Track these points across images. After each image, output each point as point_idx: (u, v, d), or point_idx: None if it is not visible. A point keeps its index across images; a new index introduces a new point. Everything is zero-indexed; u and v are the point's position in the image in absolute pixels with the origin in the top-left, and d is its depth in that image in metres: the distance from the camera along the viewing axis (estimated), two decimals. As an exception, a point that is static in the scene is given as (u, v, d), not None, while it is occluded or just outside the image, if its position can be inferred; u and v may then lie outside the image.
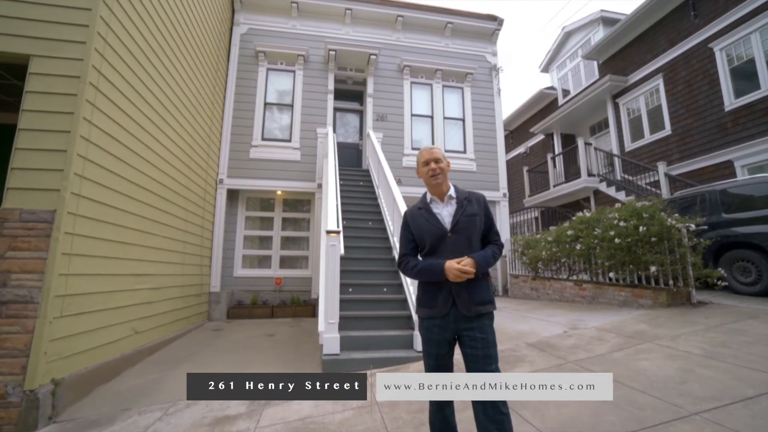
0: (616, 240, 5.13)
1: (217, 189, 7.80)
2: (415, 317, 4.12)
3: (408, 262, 1.87)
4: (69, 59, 3.41)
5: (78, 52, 3.44)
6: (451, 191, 1.90)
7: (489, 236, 1.88)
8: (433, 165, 1.89)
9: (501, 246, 1.87)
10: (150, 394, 3.41)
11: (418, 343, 3.85)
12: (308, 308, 7.63)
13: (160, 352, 4.92)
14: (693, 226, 4.68)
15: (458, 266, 1.67)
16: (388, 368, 3.63)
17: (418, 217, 1.90)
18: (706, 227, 4.98)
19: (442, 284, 1.76)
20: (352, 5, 9.16)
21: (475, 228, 1.80)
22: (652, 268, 4.70)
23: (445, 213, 1.84)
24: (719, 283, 4.47)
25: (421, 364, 3.57)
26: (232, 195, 8.18)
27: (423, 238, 1.85)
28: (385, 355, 3.73)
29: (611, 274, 5.32)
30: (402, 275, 4.85)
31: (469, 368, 1.68)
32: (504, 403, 1.60)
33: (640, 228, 4.82)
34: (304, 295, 7.87)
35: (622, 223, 5.15)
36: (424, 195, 1.97)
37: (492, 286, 1.85)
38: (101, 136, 3.70)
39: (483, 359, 1.65)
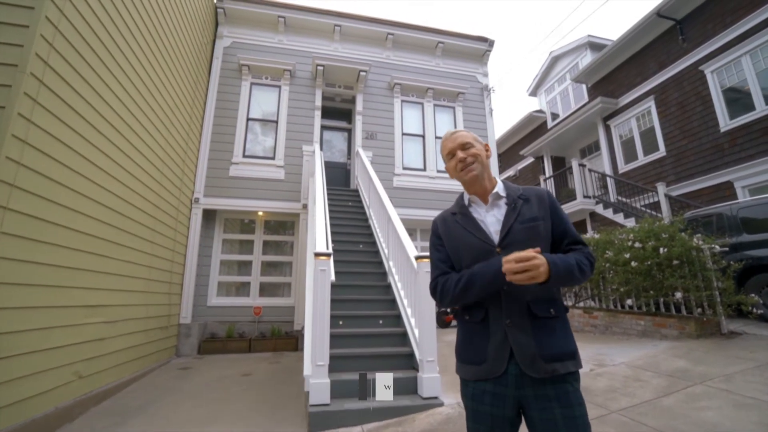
0: (633, 263, 4.68)
1: (191, 208, 7.10)
2: (417, 354, 3.51)
3: (448, 280, 1.26)
4: (4, 44, 2.82)
5: (17, 37, 2.86)
6: (499, 188, 1.32)
7: (567, 246, 1.25)
8: (460, 154, 1.30)
9: (590, 257, 1.21)
10: (84, 464, 2.65)
11: (423, 388, 3.21)
12: (290, 341, 6.86)
13: (112, 399, 4.10)
14: (717, 248, 4.29)
15: (517, 257, 1.06)
16: (390, 421, 2.97)
17: (452, 225, 1.33)
18: (727, 249, 4.60)
19: (490, 325, 1.18)
20: (341, 21, 8.90)
21: (539, 237, 1.21)
22: (678, 294, 4.24)
23: (491, 219, 1.27)
24: (754, 310, 4.03)
25: (430, 417, 2.93)
26: (209, 215, 7.48)
27: (460, 255, 1.28)
28: (385, 404, 3.07)
29: (629, 301, 4.83)
30: (401, 306, 4.23)
31: None
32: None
33: (661, 249, 4.39)
34: (286, 326, 7.10)
35: (637, 245, 4.73)
36: (461, 196, 1.40)
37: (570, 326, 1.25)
38: (44, 138, 3.07)
39: None
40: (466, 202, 1.36)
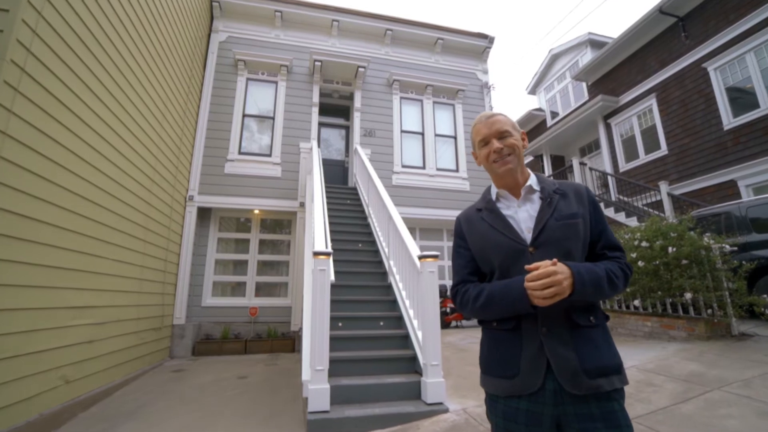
0: (640, 263, 4.57)
1: (186, 207, 6.92)
2: (421, 357, 3.36)
3: (467, 292, 1.13)
4: (-17, 29, 2.66)
5: (-3, 22, 2.69)
6: (532, 181, 1.18)
7: (602, 250, 1.12)
8: (496, 144, 1.14)
9: (626, 266, 1.09)
10: (68, 476, 2.49)
11: (427, 393, 3.07)
12: (287, 342, 6.71)
13: (101, 404, 3.93)
14: (728, 247, 4.18)
15: (538, 273, 0.95)
16: (393, 428, 2.82)
17: (477, 223, 1.18)
18: (736, 248, 4.49)
19: (523, 334, 1.04)
20: (339, 17, 8.73)
21: (577, 238, 1.07)
22: (687, 295, 4.12)
23: (523, 215, 1.13)
24: (767, 311, 3.92)
25: (435, 425, 2.79)
26: (204, 214, 7.31)
27: (487, 256, 1.13)
28: (388, 410, 2.93)
29: (635, 302, 4.71)
30: (402, 307, 4.08)
31: None
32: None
33: (670, 249, 4.27)
34: (283, 327, 6.94)
35: (644, 244, 4.61)
36: (487, 190, 1.26)
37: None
38: (27, 131, 2.90)
39: None
40: (494, 196, 1.21)
